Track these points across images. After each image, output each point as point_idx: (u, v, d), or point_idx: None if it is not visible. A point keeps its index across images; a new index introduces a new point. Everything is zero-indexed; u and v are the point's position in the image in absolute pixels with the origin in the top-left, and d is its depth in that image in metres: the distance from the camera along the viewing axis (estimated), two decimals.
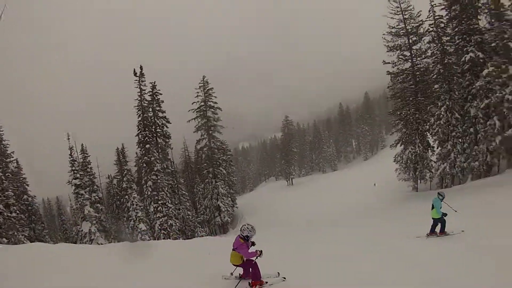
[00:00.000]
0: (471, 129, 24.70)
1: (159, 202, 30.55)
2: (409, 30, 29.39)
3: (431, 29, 27.07)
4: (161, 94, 35.26)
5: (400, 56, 30.16)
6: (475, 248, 8.17)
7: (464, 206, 12.76)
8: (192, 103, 42.53)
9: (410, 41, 29.64)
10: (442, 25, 26.42)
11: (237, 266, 6.57)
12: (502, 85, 19.82)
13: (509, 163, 22.65)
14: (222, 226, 40.86)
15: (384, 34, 29.83)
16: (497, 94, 20.26)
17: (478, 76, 22.62)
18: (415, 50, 29.77)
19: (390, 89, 32.54)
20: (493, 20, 21.82)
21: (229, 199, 43.40)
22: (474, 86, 23.31)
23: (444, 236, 9.98)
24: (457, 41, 24.98)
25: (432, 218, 10.06)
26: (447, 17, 26.08)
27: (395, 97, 31.61)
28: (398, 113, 31.14)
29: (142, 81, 32.93)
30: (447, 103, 25.46)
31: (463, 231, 9.93)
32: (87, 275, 7.57)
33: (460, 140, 25.59)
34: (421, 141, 29.21)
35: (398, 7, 29.31)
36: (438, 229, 10.09)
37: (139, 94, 33.01)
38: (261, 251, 6.21)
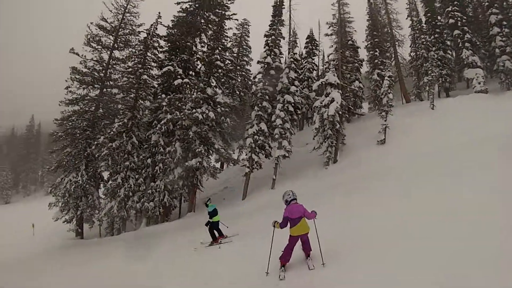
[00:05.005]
0: (149, 160, 17.38)
1: None
2: (120, 34, 21.13)
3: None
4: None
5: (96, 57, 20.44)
6: None
7: None
8: None
9: (116, 45, 21.21)
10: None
11: (303, 235, 5.35)
12: (196, 104, 14.27)
13: (191, 205, 16.90)
14: None
15: (91, 23, 20.64)
16: (186, 112, 14.18)
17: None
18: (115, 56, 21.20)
19: (69, 91, 20.63)
20: None
21: None
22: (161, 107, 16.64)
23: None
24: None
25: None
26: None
27: (73, 102, 20.19)
28: (70, 123, 19.71)
29: None
30: (125, 121, 17.33)
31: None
32: None
33: (134, 172, 17.52)
34: (87, 168, 18.73)
35: (123, 7, 21.16)
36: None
37: None
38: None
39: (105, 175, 20.07)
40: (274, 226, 5.58)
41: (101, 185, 20.07)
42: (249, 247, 7.40)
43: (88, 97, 20.40)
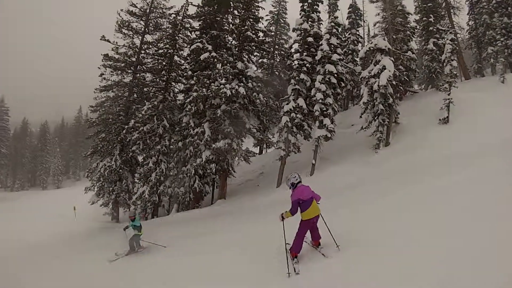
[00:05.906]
0: (180, 143, 16.40)
1: None
2: (150, 18, 20.56)
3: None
4: None
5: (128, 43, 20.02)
6: None
7: None
8: None
9: (147, 29, 20.66)
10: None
11: (315, 218, 4.95)
12: (227, 80, 13.23)
13: (222, 192, 15.72)
14: None
15: (121, 10, 20.10)
16: (213, 88, 12.82)
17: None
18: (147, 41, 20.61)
19: (103, 78, 20.43)
20: None
21: None
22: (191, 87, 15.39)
23: None
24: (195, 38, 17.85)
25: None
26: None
27: (107, 89, 20.01)
28: (103, 109, 19.56)
29: None
30: (155, 104, 16.47)
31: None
32: None
33: (166, 157, 16.78)
34: (121, 153, 18.41)
35: None
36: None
37: None
38: None
39: (140, 159, 19.83)
40: (283, 219, 4.96)
41: (137, 169, 19.87)
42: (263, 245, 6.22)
43: (121, 82, 20.13)
